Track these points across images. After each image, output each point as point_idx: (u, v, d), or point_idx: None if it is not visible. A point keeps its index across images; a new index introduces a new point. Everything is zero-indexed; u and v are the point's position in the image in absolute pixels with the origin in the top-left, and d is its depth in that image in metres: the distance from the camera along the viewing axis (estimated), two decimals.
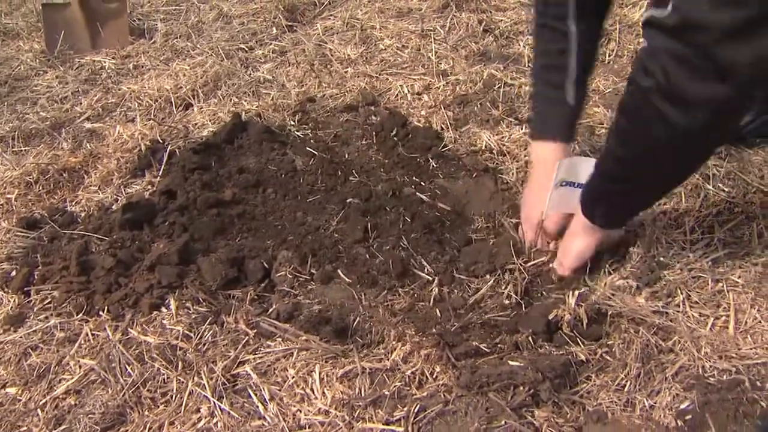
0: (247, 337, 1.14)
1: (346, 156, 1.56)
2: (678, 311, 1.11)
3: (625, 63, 1.84)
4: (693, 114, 0.88)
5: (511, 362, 1.00)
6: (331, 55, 2.00)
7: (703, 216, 1.27)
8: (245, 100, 1.81)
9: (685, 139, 0.92)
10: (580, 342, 1.06)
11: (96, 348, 1.15)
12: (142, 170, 1.58)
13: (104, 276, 1.24)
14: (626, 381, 1.01)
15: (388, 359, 1.07)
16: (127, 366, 1.10)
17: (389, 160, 1.53)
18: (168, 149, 1.59)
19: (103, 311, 1.20)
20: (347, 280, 1.23)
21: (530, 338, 1.06)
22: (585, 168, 1.23)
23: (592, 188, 1.13)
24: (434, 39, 2.00)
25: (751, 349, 1.05)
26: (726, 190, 1.33)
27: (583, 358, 1.04)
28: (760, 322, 1.08)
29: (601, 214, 1.13)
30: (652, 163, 1.00)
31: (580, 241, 1.18)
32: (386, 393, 1.03)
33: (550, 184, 1.22)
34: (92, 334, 1.17)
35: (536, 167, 1.29)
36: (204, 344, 1.14)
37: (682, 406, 0.97)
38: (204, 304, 1.20)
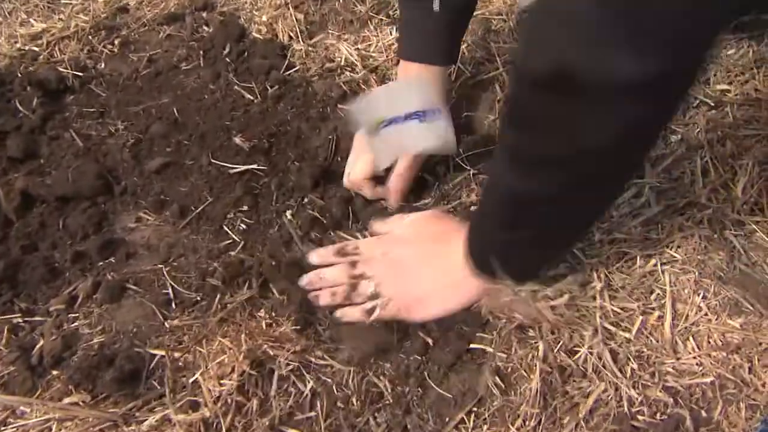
0: None
1: (157, 98, 1.14)
2: (594, 307, 0.78)
3: None
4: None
5: None
6: None
7: None
8: (35, 18, 1.34)
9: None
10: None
11: None
12: None
13: None
14: None
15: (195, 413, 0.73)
16: None
17: (213, 96, 1.12)
18: None
19: None
20: (143, 292, 0.87)
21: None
22: (403, 94, 0.93)
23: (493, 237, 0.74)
24: None
25: (694, 357, 0.74)
26: None
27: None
28: (705, 314, 0.77)
29: (515, 266, 0.75)
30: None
31: (458, 295, 0.79)
32: None
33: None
34: None
35: None
36: None
37: None
38: None
